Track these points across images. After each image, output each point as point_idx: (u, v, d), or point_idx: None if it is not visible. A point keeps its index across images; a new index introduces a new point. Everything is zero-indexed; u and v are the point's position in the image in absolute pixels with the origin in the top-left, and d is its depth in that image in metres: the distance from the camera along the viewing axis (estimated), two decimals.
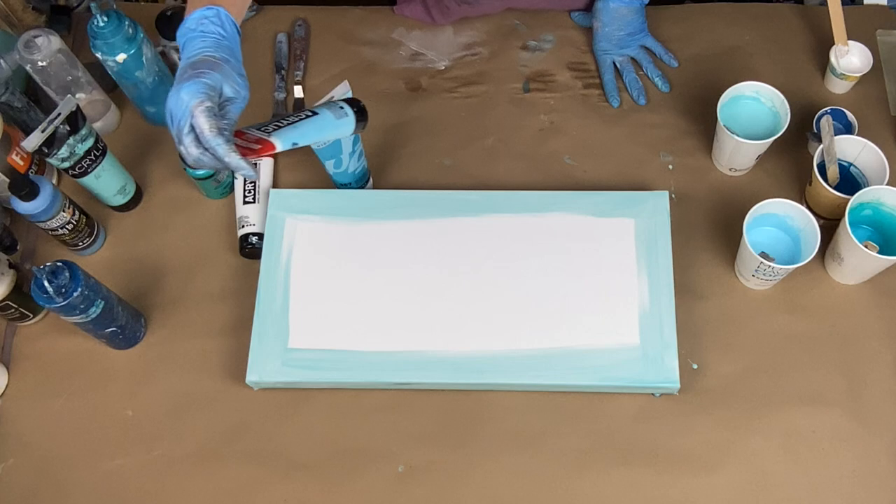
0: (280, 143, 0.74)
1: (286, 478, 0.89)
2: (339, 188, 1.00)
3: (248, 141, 0.74)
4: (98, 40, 0.95)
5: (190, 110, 0.66)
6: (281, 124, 0.77)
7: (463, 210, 0.96)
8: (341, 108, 0.82)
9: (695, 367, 0.92)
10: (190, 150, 0.68)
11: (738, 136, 0.93)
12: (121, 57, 0.96)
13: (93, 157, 0.94)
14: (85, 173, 0.95)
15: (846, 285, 0.95)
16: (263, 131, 0.76)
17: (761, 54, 1.10)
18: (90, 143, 0.93)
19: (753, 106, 0.99)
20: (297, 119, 0.78)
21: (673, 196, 1.01)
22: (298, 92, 1.10)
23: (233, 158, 0.67)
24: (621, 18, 1.05)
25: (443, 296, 0.92)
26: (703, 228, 0.99)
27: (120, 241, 1.02)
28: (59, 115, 0.89)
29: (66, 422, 0.93)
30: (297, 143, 0.76)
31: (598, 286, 0.91)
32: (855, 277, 0.94)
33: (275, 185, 1.04)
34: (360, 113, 0.82)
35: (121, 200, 1.02)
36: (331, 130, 0.81)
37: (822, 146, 0.93)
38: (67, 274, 0.82)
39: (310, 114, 0.80)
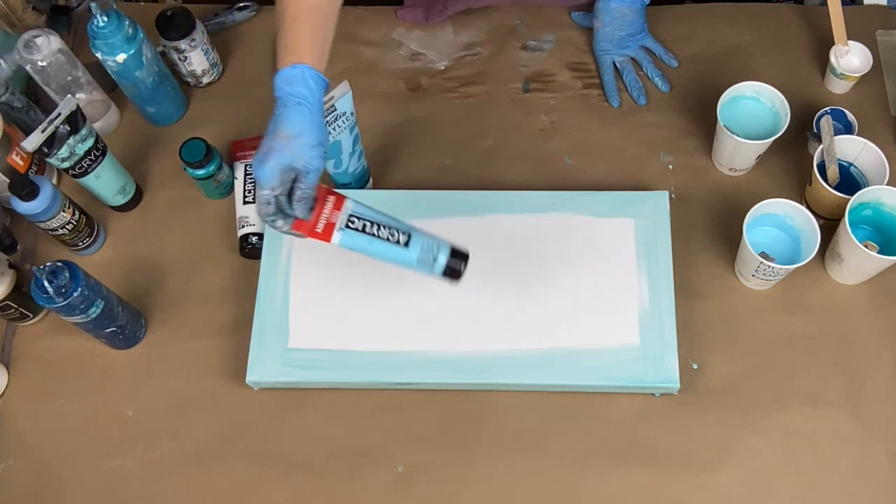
0: (338, 239, 0.76)
1: (286, 478, 0.89)
2: (339, 188, 1.00)
3: (321, 209, 0.76)
4: (98, 40, 0.95)
5: (259, 194, 0.74)
6: (367, 224, 0.76)
7: (463, 210, 0.96)
8: (436, 257, 0.76)
9: (695, 367, 0.92)
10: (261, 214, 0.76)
11: (738, 136, 0.93)
12: (121, 57, 0.96)
13: (93, 157, 0.94)
14: (85, 173, 0.95)
15: (846, 285, 0.95)
16: (351, 222, 0.76)
17: (761, 54, 1.10)
18: (90, 143, 0.93)
19: (753, 106, 0.99)
20: (385, 234, 0.76)
21: (673, 196, 1.01)
22: None
23: (282, 231, 0.77)
24: (622, 18, 1.05)
25: (443, 296, 0.91)
26: (703, 228, 0.99)
27: (120, 241, 1.02)
28: (59, 115, 0.89)
29: (66, 422, 0.93)
30: (354, 250, 0.77)
31: (598, 286, 0.91)
32: (855, 277, 0.94)
33: None
34: (449, 276, 0.77)
35: (121, 200, 1.02)
36: (401, 264, 0.77)
37: (822, 146, 0.93)
38: (67, 274, 0.82)
39: (404, 236, 0.76)
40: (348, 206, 0.77)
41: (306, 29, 0.75)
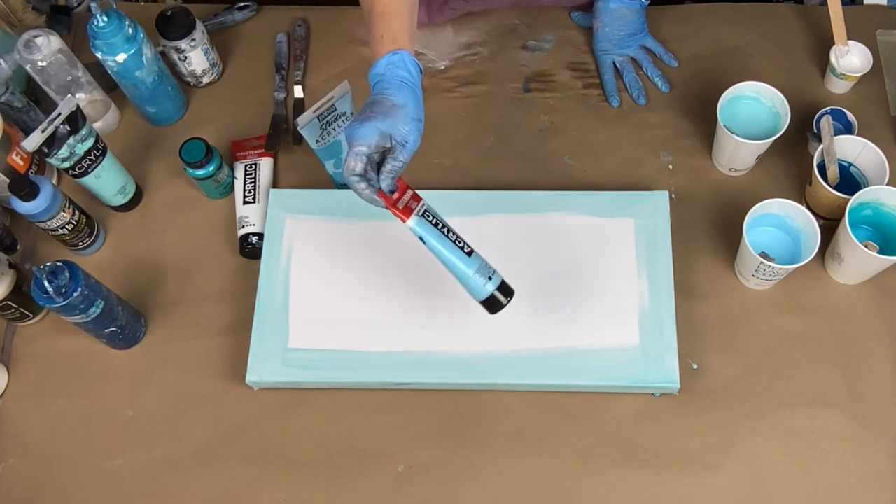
0: (414, 223, 0.78)
1: (286, 478, 0.89)
2: (339, 188, 1.00)
3: (401, 195, 0.79)
4: (98, 40, 0.95)
5: (352, 150, 0.76)
6: (439, 223, 0.79)
7: (463, 210, 0.96)
8: (490, 277, 0.80)
9: (695, 367, 0.92)
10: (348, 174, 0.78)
11: (738, 136, 0.93)
12: (121, 57, 0.96)
13: (93, 157, 0.94)
14: (85, 173, 0.95)
15: (846, 285, 0.95)
16: (426, 215, 0.79)
17: (761, 54, 1.10)
18: (90, 143, 0.93)
19: (753, 106, 0.99)
20: (452, 237, 0.79)
21: (673, 196, 1.01)
22: (298, 92, 1.10)
23: (364, 195, 0.77)
24: (621, 19, 1.05)
25: (443, 296, 0.91)
26: (703, 228, 0.99)
27: (120, 241, 1.02)
28: (59, 115, 0.89)
29: (66, 422, 0.93)
30: (423, 238, 0.79)
31: (598, 286, 0.91)
32: (855, 277, 0.94)
33: (275, 185, 1.04)
34: (491, 304, 0.80)
35: (121, 200, 1.02)
36: (456, 271, 0.79)
37: (822, 146, 0.93)
38: (67, 274, 0.82)
39: (468, 248, 0.79)
40: (424, 203, 0.79)
41: (397, 20, 0.80)
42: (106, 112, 1.07)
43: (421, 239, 0.78)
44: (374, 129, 0.75)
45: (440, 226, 0.79)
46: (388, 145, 0.76)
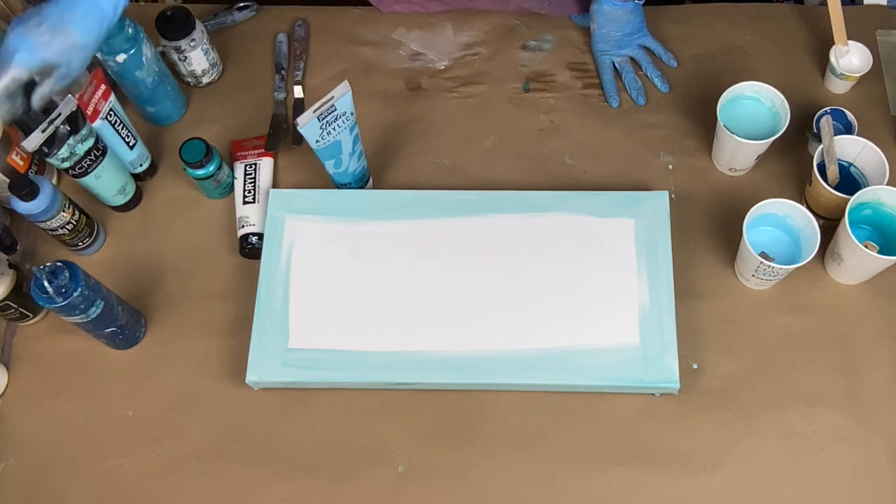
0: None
1: (286, 478, 0.89)
2: (339, 188, 1.00)
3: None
4: None
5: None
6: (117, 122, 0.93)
7: (463, 210, 0.96)
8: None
9: (695, 367, 0.92)
10: None
11: (738, 136, 0.93)
12: (121, 57, 0.96)
13: (93, 157, 0.94)
14: (85, 173, 0.95)
15: (846, 285, 0.95)
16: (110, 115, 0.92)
17: (761, 54, 1.10)
18: (90, 143, 0.93)
19: (753, 106, 0.99)
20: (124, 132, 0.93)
21: (673, 196, 1.01)
22: (298, 92, 1.10)
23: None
24: (617, 20, 1.05)
25: (443, 296, 0.92)
26: (703, 228, 0.99)
27: (120, 241, 1.02)
28: (59, 115, 0.89)
29: (66, 422, 0.93)
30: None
31: (598, 286, 0.91)
32: (855, 277, 0.94)
33: (275, 185, 1.04)
34: None
35: (121, 200, 1.02)
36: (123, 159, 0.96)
37: (822, 146, 0.93)
38: (67, 274, 0.82)
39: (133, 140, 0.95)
40: (112, 100, 0.89)
41: None
42: None
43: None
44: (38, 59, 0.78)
45: (117, 124, 0.89)
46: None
